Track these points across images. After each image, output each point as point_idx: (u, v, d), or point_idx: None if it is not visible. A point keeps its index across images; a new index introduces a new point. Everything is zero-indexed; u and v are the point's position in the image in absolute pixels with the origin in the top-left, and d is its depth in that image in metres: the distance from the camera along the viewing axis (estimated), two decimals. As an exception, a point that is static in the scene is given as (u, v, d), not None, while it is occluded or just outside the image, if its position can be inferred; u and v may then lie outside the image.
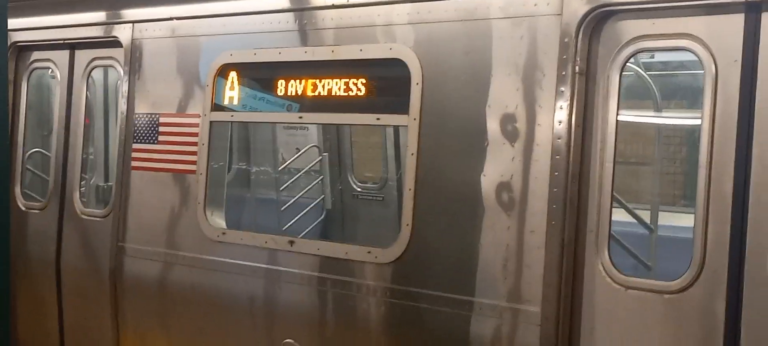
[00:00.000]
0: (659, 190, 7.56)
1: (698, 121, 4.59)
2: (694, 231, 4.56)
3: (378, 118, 5.91)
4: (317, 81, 5.99)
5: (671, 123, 9.28)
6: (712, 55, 4.51)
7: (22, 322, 7.98)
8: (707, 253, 4.50)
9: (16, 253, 7.71)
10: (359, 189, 9.35)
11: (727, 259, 4.45)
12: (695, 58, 4.63)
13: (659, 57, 7.28)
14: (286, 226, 8.92)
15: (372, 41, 5.73)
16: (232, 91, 6.47)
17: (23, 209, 7.99)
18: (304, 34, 6.10)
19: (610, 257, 4.84)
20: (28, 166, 8.33)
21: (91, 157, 8.68)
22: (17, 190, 8.05)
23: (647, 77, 7.05)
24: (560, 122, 4.89)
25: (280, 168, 9.46)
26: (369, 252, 5.66)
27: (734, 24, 4.45)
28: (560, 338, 4.90)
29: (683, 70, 8.04)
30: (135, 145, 7.01)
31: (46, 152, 8.20)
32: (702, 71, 4.58)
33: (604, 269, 4.83)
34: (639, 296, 4.72)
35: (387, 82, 5.86)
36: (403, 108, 5.54)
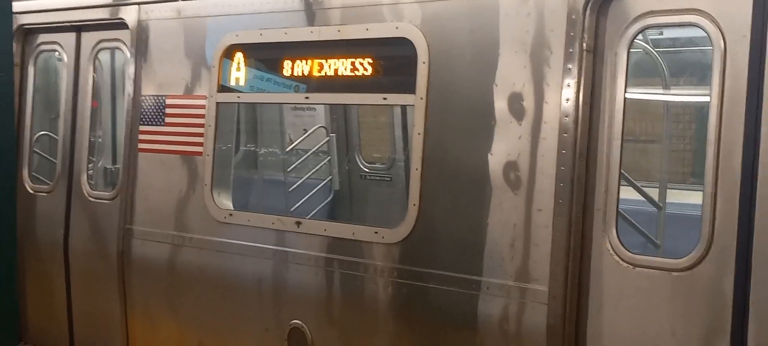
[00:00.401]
0: (668, 167, 7.52)
1: (707, 99, 4.56)
2: (702, 209, 4.53)
3: (385, 98, 5.89)
4: (324, 61, 5.97)
5: (680, 100, 9.22)
6: (720, 30, 4.47)
7: (31, 304, 8.01)
8: (715, 230, 4.48)
9: (25, 236, 7.74)
10: (367, 170, 9.33)
11: (735, 236, 4.43)
12: (704, 34, 4.58)
13: (668, 33, 7.22)
14: (294, 207, 8.92)
15: (378, 20, 5.70)
16: (239, 72, 6.45)
17: (31, 192, 8.00)
18: (311, 14, 6.07)
19: (617, 235, 4.82)
20: (36, 150, 8.33)
21: (99, 139, 8.68)
22: (25, 173, 8.06)
23: (656, 54, 7.01)
24: (568, 100, 4.86)
25: (287, 149, 9.44)
26: (376, 232, 5.65)
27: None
28: (568, 317, 4.89)
29: (692, 46, 7.99)
30: (142, 128, 7.01)
31: (54, 135, 8.20)
32: (710, 47, 4.54)
33: (611, 247, 4.81)
34: (647, 274, 4.71)
35: (394, 61, 5.84)
36: (409, 87, 5.51)
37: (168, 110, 6.83)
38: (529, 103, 5.03)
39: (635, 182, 6.46)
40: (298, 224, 6.11)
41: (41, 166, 8.42)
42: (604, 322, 4.86)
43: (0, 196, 5.35)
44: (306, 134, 9.32)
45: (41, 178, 8.21)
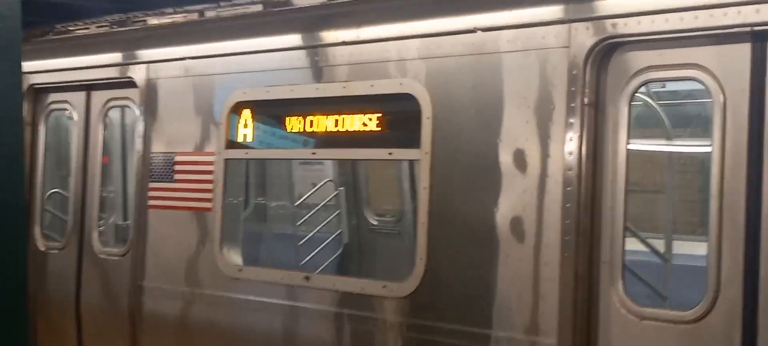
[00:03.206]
0: (673, 218, 7.53)
1: (709, 149, 4.59)
2: (707, 260, 4.54)
3: (390, 153, 5.93)
4: (330, 117, 6.02)
5: (684, 151, 9.25)
6: (720, 84, 4.51)
7: (42, 362, 8.02)
8: (722, 282, 4.49)
9: (37, 293, 7.77)
10: (376, 223, 9.35)
11: (741, 288, 4.43)
12: (703, 88, 4.63)
13: (669, 86, 7.27)
14: (304, 261, 8.94)
15: (383, 76, 5.76)
16: (246, 129, 6.51)
17: (43, 249, 8.05)
18: (316, 71, 6.14)
19: (624, 288, 4.82)
20: (47, 207, 8.39)
21: (110, 196, 8.75)
22: (36, 230, 8.11)
23: (657, 107, 7.05)
24: (571, 154, 4.90)
25: (296, 203, 9.48)
26: (384, 286, 5.67)
27: (741, 53, 4.46)
28: (576, 370, 4.88)
29: (692, 99, 8.04)
30: (151, 184, 7.06)
31: (65, 193, 8.26)
32: (710, 100, 4.58)
33: (618, 299, 4.82)
34: (654, 327, 4.70)
35: (398, 116, 5.88)
36: (414, 142, 5.56)
37: (177, 167, 6.89)
38: (532, 158, 5.06)
39: (640, 234, 6.47)
40: (307, 278, 6.14)
41: (53, 223, 8.47)
42: (613, 375, 4.85)
43: (11, 253, 5.38)
44: (314, 189, 9.37)
45: (53, 235, 8.26)
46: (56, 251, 7.96)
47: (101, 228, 7.91)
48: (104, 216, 8.26)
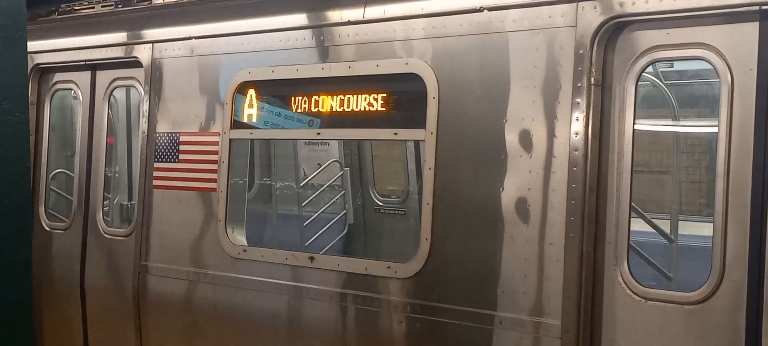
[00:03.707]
0: (679, 199, 7.51)
1: (716, 129, 4.57)
2: (713, 241, 4.53)
3: (395, 133, 5.92)
4: (335, 97, 6.01)
5: (691, 131, 9.22)
6: (727, 64, 4.49)
7: (48, 341, 8.04)
8: (727, 263, 4.48)
9: (41, 273, 7.78)
10: (381, 203, 9.35)
11: (746, 269, 4.42)
12: (711, 67, 4.61)
13: (676, 66, 7.24)
14: (309, 242, 8.94)
15: (389, 56, 5.74)
16: (251, 109, 6.51)
17: (47, 229, 8.06)
18: (322, 51, 6.12)
19: (629, 269, 4.82)
20: (52, 187, 8.39)
21: (115, 176, 8.75)
22: (41, 210, 8.12)
23: (664, 86, 7.02)
24: (577, 134, 4.88)
25: (301, 184, 9.48)
26: (389, 267, 5.67)
27: (749, 32, 4.44)
28: (581, 351, 4.88)
29: (699, 79, 8.01)
30: (156, 164, 7.06)
31: (70, 173, 8.26)
32: (718, 80, 4.56)
33: (623, 280, 4.81)
34: (659, 308, 4.70)
35: (404, 96, 5.87)
36: (420, 122, 5.55)
37: (182, 147, 6.88)
38: (538, 138, 5.05)
39: (646, 215, 6.45)
40: (312, 259, 6.14)
41: (58, 203, 8.48)
42: (618, 356, 4.85)
43: (16, 233, 5.39)
44: (320, 169, 9.36)
45: (58, 215, 8.27)
46: (61, 231, 7.97)
47: (106, 208, 7.91)
48: (109, 196, 8.25)
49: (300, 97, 6.21)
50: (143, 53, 7.19)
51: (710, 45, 4.56)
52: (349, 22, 5.95)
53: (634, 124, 4.81)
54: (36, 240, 7.23)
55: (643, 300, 4.75)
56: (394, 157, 9.91)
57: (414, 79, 5.57)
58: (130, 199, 8.69)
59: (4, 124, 5.27)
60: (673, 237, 6.90)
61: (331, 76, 6.03)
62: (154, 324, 7.08)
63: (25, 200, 5.51)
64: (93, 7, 8.28)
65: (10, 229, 5.36)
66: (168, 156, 6.98)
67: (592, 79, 4.85)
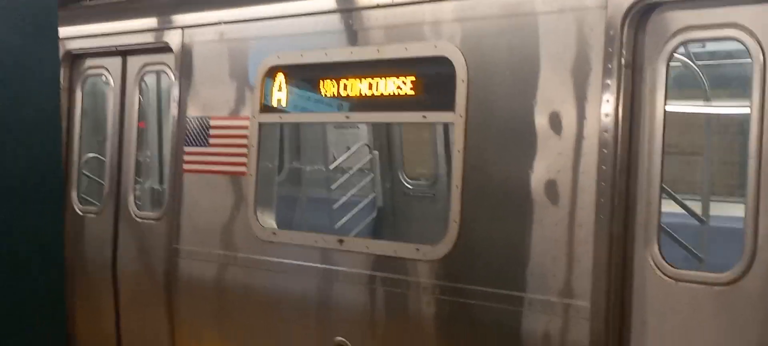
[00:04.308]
0: (711, 180, 7.45)
1: (748, 110, 4.53)
2: (744, 222, 4.50)
3: (424, 116, 5.92)
4: (364, 80, 6.01)
5: (724, 112, 9.14)
6: (759, 44, 4.44)
7: (80, 324, 8.13)
8: (758, 244, 4.44)
9: (74, 257, 7.86)
10: (410, 186, 9.35)
11: None
12: (743, 47, 4.56)
13: (708, 46, 7.18)
14: (338, 224, 8.97)
15: (418, 39, 5.74)
16: (281, 93, 6.53)
17: (80, 213, 8.14)
18: (351, 34, 6.13)
19: (660, 250, 4.79)
20: (84, 172, 8.47)
21: (147, 160, 8.81)
22: (74, 194, 8.20)
23: (696, 67, 6.97)
24: (607, 115, 4.86)
25: (330, 167, 9.50)
26: (417, 249, 5.68)
27: (782, 12, 4.39)
28: (610, 333, 4.86)
29: (731, 59, 7.92)
30: (187, 149, 7.10)
31: (102, 157, 8.33)
32: (750, 60, 4.52)
33: (653, 262, 4.79)
34: (690, 289, 4.67)
35: (433, 79, 5.86)
36: (449, 105, 5.54)
37: (212, 131, 6.92)
38: (568, 120, 5.02)
39: (677, 196, 6.41)
40: (341, 242, 6.16)
41: (90, 187, 8.56)
42: (648, 338, 4.83)
43: (48, 217, 5.45)
44: (349, 152, 9.38)
45: (90, 199, 8.34)
46: (93, 215, 8.04)
47: (137, 192, 7.97)
48: (140, 180, 8.32)
49: (329, 81, 6.22)
50: (173, 39, 7.23)
51: (742, 25, 4.51)
52: (378, 6, 5.95)
53: (665, 105, 4.77)
54: (68, 224, 7.30)
55: (674, 282, 4.73)
56: (423, 140, 9.89)
57: (443, 62, 5.56)
58: (161, 183, 8.75)
59: (36, 110, 5.33)
60: (704, 218, 6.86)
61: (360, 59, 6.03)
62: (185, 307, 7.14)
63: (57, 184, 5.57)
64: (123, -7, 8.35)
65: (43, 213, 5.42)
66: (198, 140, 7.02)
67: (623, 60, 4.82)
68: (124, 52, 7.82)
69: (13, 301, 5.24)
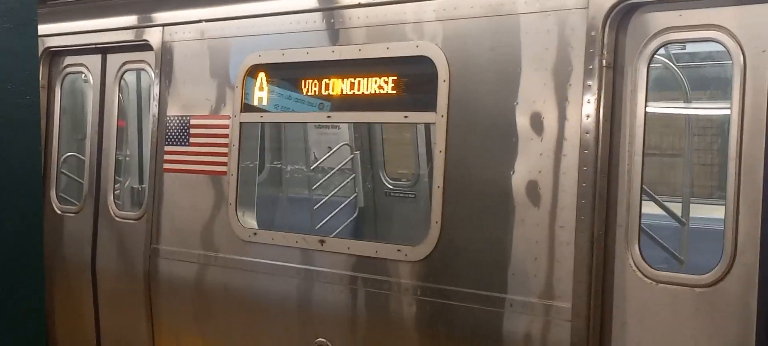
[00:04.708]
0: (691, 182, 7.49)
1: (728, 112, 4.54)
2: (724, 224, 4.51)
3: (406, 116, 5.91)
4: (345, 80, 6.00)
5: (703, 114, 9.19)
6: (740, 45, 4.46)
7: (59, 324, 8.08)
8: (739, 246, 4.46)
9: (53, 256, 7.81)
10: (392, 186, 9.35)
11: (758, 252, 4.40)
12: (724, 49, 4.58)
13: (688, 48, 7.21)
14: (319, 225, 8.95)
15: (400, 39, 5.73)
16: (262, 92, 6.50)
17: (59, 212, 8.08)
18: (333, 33, 6.11)
19: (640, 251, 4.80)
20: (63, 170, 8.41)
21: (126, 159, 8.76)
22: (52, 194, 8.14)
23: (676, 69, 6.99)
24: (588, 116, 4.86)
25: (312, 167, 9.48)
26: (399, 250, 5.67)
27: (762, 14, 4.41)
28: (591, 334, 4.87)
29: (712, 60, 7.97)
30: (167, 148, 7.06)
31: (81, 156, 8.28)
32: (730, 62, 4.53)
33: (634, 263, 4.80)
34: (670, 291, 4.69)
35: (415, 79, 5.86)
36: (431, 105, 5.53)
37: (192, 130, 6.89)
38: (549, 120, 5.03)
39: (658, 197, 6.44)
40: (322, 242, 6.14)
41: (69, 187, 8.50)
42: (628, 339, 4.84)
43: (26, 216, 5.40)
44: (330, 152, 9.36)
45: (69, 199, 8.29)
46: (72, 215, 7.99)
47: (117, 191, 7.92)
48: (120, 179, 8.27)
49: (310, 80, 6.21)
50: (154, 36, 7.19)
51: (723, 26, 4.53)
52: (360, 5, 5.93)
53: (645, 106, 4.78)
54: (47, 223, 7.25)
55: (654, 283, 4.74)
56: (405, 140, 9.90)
57: (425, 61, 5.56)
58: (140, 182, 8.70)
59: (15, 108, 5.28)
60: (684, 220, 6.88)
61: (342, 59, 6.02)
62: (165, 307, 7.10)
63: (36, 183, 5.52)
64: (104, -10, 8.29)
65: (21, 212, 5.37)
66: (178, 139, 6.98)
67: (604, 61, 4.83)
68: (104, 50, 7.77)
69: (-9, 301, 5.19)
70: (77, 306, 7.90)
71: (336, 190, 9.36)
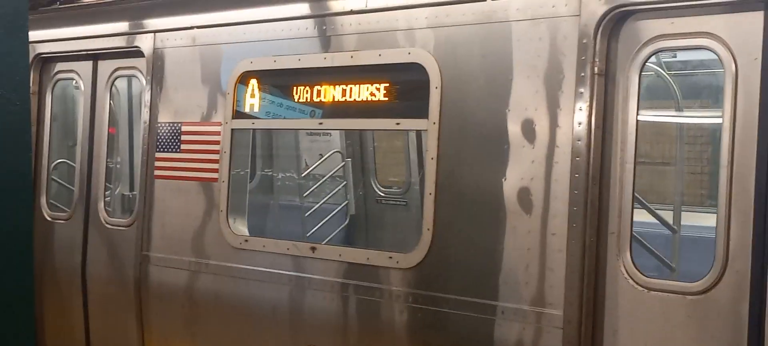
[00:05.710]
0: (682, 190, 7.50)
1: (720, 120, 4.55)
2: (716, 231, 4.51)
3: (398, 123, 5.92)
4: (337, 87, 6.00)
5: (695, 122, 9.22)
6: (732, 53, 4.47)
7: (49, 331, 8.04)
8: (730, 254, 4.46)
9: (43, 263, 7.78)
10: (383, 194, 9.34)
11: (750, 259, 4.40)
12: (715, 57, 4.59)
13: (679, 56, 7.23)
14: (311, 232, 8.94)
15: (392, 46, 5.73)
16: (253, 99, 6.50)
17: (49, 219, 8.05)
18: (324, 40, 6.11)
19: (632, 259, 4.80)
20: (54, 177, 8.38)
21: (117, 166, 8.74)
22: (43, 200, 8.11)
23: (668, 77, 7.00)
24: (580, 124, 4.87)
25: (303, 174, 9.47)
26: (390, 257, 5.66)
27: (754, 22, 4.41)
28: (583, 341, 4.87)
29: (704, 68, 7.99)
30: (158, 154, 7.05)
31: (72, 163, 8.25)
32: (722, 70, 4.54)
33: (626, 270, 4.80)
34: (661, 298, 4.69)
35: (407, 86, 5.86)
36: (422, 112, 5.53)
37: (184, 137, 6.87)
38: (541, 128, 5.03)
39: (649, 205, 6.44)
40: (313, 249, 6.13)
41: (59, 193, 8.47)
42: (620, 346, 4.85)
43: (17, 223, 5.40)
44: (321, 159, 9.35)
45: (59, 205, 8.26)
46: (63, 221, 7.96)
47: (107, 198, 7.90)
48: (110, 186, 8.24)
49: (302, 87, 6.20)
50: (145, 43, 7.18)
51: (714, 34, 4.54)
52: (352, 12, 5.93)
53: (637, 114, 4.79)
54: (37, 230, 7.23)
55: (646, 290, 4.74)
56: (396, 148, 9.90)
57: (416, 68, 5.56)
58: (131, 189, 8.68)
59: (5, 114, 5.27)
60: (676, 228, 6.89)
61: (334, 65, 6.01)
62: (155, 314, 7.07)
63: (26, 190, 5.52)
64: (95, -3, 8.28)
65: (11, 219, 5.36)
66: (169, 146, 6.97)
67: (596, 68, 4.83)
68: (95, 56, 7.75)
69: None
70: (67, 313, 7.87)
71: (327, 197, 9.34)
